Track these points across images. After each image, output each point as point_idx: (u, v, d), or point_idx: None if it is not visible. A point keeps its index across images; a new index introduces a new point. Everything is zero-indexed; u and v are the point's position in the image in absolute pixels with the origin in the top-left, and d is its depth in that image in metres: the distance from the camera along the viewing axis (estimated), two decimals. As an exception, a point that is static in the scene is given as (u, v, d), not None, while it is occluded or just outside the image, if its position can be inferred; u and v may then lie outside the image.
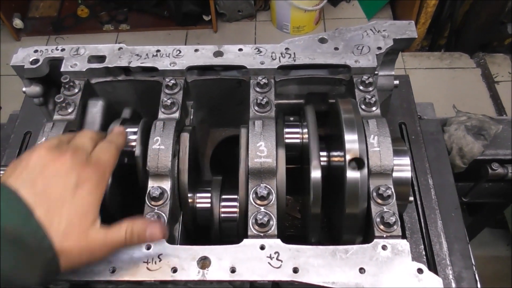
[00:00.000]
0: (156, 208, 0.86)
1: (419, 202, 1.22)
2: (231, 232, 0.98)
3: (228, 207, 0.99)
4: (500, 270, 2.56)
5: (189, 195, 0.95)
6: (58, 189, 0.70)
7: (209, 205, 0.99)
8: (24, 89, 1.12)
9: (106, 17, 4.06)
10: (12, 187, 0.68)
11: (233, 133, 1.28)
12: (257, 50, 1.06)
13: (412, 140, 1.31)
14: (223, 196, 1.00)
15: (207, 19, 3.88)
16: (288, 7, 3.58)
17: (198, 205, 1.00)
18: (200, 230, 1.03)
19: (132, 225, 0.75)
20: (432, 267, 1.10)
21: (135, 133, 0.97)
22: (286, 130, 1.02)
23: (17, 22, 3.96)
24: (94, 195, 0.73)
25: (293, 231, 1.18)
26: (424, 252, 1.11)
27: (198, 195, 1.01)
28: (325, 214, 1.09)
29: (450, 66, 3.41)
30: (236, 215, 0.96)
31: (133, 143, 0.96)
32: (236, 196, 0.96)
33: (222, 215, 0.99)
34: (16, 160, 0.75)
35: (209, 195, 1.00)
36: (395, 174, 0.91)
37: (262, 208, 0.85)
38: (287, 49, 1.06)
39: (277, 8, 3.69)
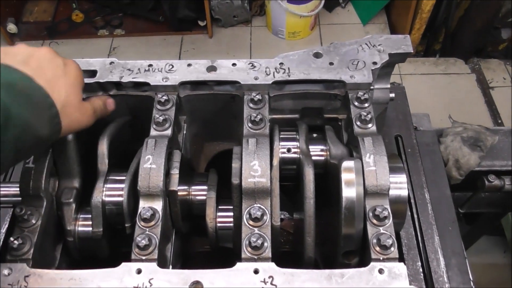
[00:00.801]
0: (147, 229, 0.84)
1: (416, 217, 1.20)
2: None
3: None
4: (496, 277, 2.55)
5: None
6: (50, 68, 0.82)
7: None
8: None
9: (100, 22, 4.03)
10: (8, 64, 0.76)
11: (227, 147, 1.26)
12: (251, 65, 1.05)
13: (408, 153, 1.30)
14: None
15: (203, 24, 3.86)
16: (284, 13, 3.57)
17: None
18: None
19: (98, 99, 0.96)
20: (430, 284, 1.08)
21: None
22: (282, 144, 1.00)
23: (11, 27, 3.92)
24: (79, 73, 0.89)
25: (288, 247, 1.17)
26: (421, 270, 1.10)
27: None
28: (319, 230, 1.08)
29: (445, 71, 3.40)
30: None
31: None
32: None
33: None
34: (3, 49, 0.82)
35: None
36: (391, 192, 0.89)
37: (256, 230, 0.83)
38: (281, 64, 1.05)
39: (273, 14, 3.68)
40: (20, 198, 0.91)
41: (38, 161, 0.90)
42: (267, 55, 1.11)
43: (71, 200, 0.91)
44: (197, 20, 3.86)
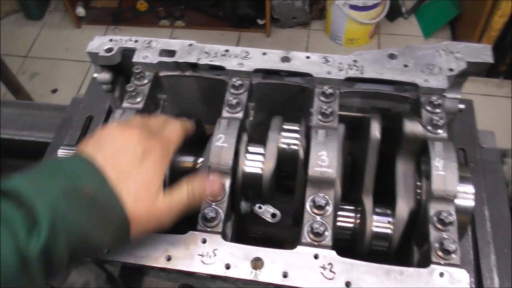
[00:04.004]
0: (213, 204, 0.87)
1: (471, 233, 1.17)
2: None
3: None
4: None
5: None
6: (126, 159, 0.74)
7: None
8: (95, 75, 1.17)
9: (163, 13, 4.18)
10: (88, 155, 0.73)
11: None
12: (324, 59, 1.06)
13: (470, 168, 1.27)
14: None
15: (261, 23, 3.92)
16: (344, 18, 3.56)
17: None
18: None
19: (192, 185, 0.80)
20: (481, 302, 1.06)
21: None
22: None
23: (80, 11, 4.15)
24: (159, 166, 0.77)
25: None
26: (474, 286, 1.07)
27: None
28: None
29: (508, 95, 3.27)
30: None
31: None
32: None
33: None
34: (91, 134, 0.80)
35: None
36: (456, 201, 0.88)
37: (318, 218, 0.85)
38: (355, 61, 1.06)
39: (333, 18, 3.68)
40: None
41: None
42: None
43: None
44: (256, 19, 3.92)
